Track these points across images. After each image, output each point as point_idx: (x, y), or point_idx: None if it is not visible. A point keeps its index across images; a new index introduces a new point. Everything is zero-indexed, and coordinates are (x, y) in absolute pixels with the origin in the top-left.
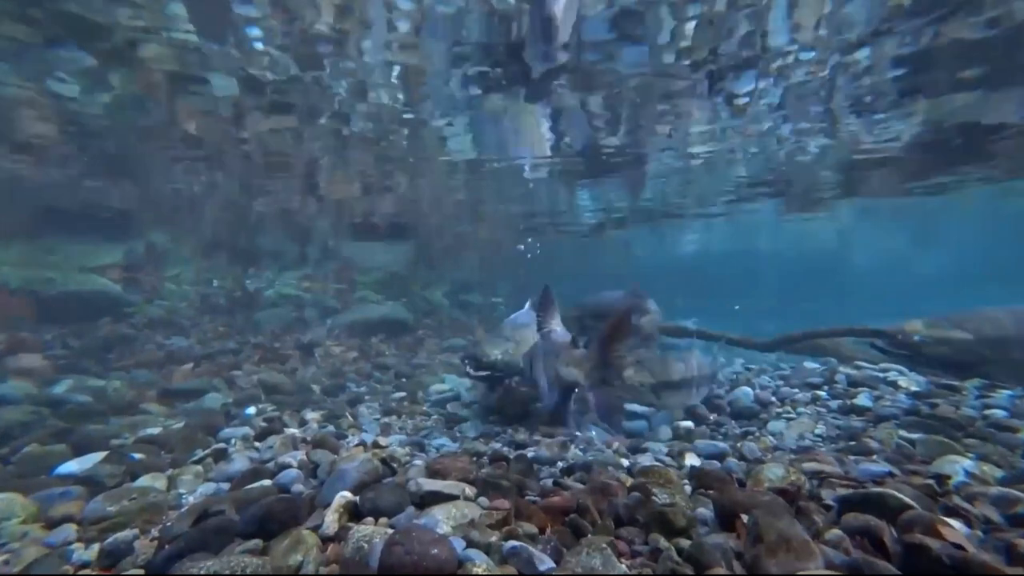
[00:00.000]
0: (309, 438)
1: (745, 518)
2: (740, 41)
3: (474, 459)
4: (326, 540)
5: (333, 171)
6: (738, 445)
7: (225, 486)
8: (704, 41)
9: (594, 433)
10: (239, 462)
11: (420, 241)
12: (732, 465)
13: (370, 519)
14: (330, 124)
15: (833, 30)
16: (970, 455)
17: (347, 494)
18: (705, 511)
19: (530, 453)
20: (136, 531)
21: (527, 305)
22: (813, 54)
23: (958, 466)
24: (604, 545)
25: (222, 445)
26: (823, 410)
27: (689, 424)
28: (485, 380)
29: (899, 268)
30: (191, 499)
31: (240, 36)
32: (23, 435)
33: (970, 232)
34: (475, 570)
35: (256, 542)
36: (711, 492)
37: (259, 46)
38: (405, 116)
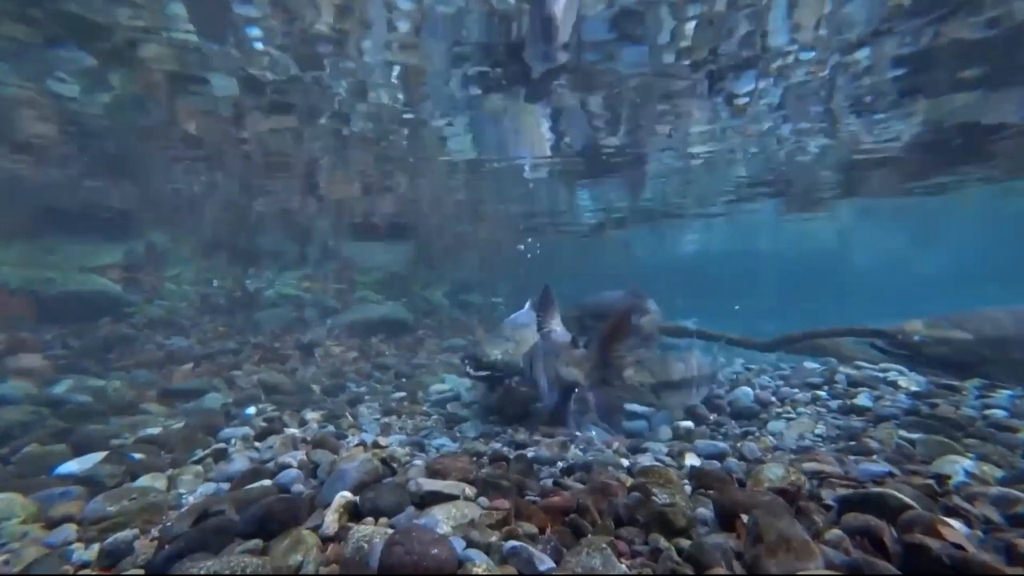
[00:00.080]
0: (309, 438)
1: (745, 518)
2: (740, 41)
3: (474, 459)
4: (326, 540)
5: (333, 171)
6: (738, 445)
7: (225, 486)
8: (704, 41)
9: (594, 433)
10: (239, 462)
11: (420, 241)
12: (732, 465)
13: (370, 519)
14: (330, 124)
15: (833, 30)
16: (970, 455)
17: (347, 494)
18: (705, 511)
19: (530, 453)
20: (136, 531)
21: (527, 305)
22: (813, 54)
23: (958, 466)
24: (604, 545)
25: (222, 445)
26: (823, 410)
27: (689, 424)
28: (485, 380)
29: (899, 268)
30: (191, 499)
31: (240, 36)
32: (23, 435)
33: (970, 232)
34: (475, 570)
35: (256, 542)
36: (711, 492)
37: (259, 46)
38: (405, 116)
